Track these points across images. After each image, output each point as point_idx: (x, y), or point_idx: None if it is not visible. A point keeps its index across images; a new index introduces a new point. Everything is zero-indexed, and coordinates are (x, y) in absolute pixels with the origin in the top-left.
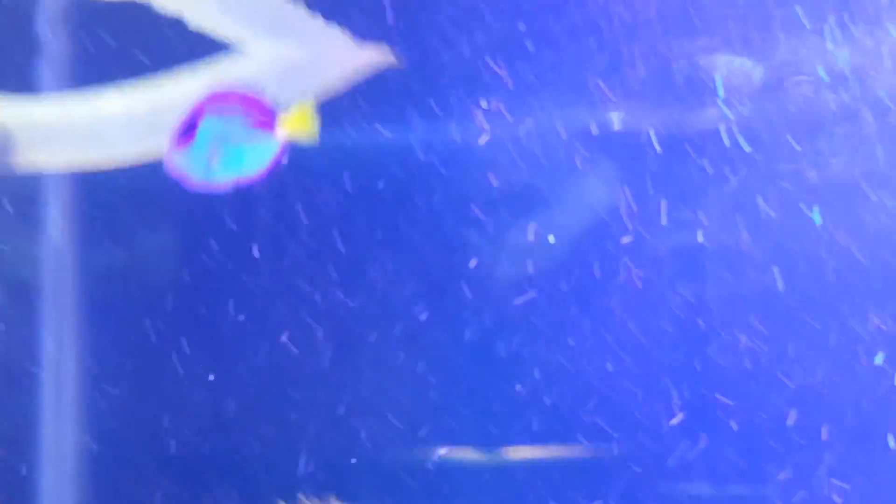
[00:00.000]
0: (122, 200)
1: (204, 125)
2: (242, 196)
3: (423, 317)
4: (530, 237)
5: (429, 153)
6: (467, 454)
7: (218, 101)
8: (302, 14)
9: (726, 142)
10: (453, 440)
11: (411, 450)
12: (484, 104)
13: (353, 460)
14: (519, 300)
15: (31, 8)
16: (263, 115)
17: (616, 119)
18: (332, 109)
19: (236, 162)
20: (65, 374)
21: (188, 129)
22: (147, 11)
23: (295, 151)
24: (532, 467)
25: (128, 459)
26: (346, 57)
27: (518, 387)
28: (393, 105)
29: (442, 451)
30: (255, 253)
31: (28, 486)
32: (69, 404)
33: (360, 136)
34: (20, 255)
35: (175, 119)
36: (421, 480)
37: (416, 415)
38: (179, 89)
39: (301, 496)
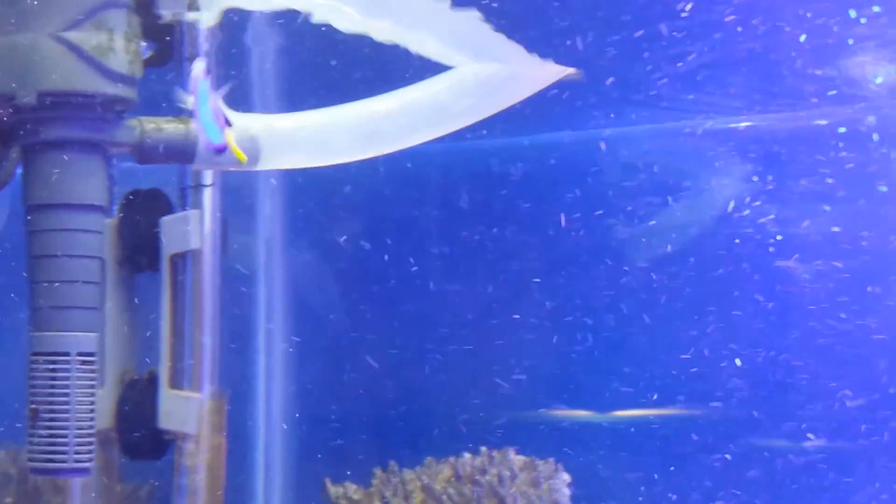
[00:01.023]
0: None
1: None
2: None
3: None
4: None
5: (577, 153)
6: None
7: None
8: (499, 37)
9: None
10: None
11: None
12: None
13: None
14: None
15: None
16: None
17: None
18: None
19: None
20: (275, 349)
21: None
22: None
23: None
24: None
25: (334, 419)
26: (538, 72)
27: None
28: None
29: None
30: (434, 248)
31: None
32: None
33: (519, 140)
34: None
35: (392, 129)
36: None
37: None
38: (396, 103)
39: (483, 448)
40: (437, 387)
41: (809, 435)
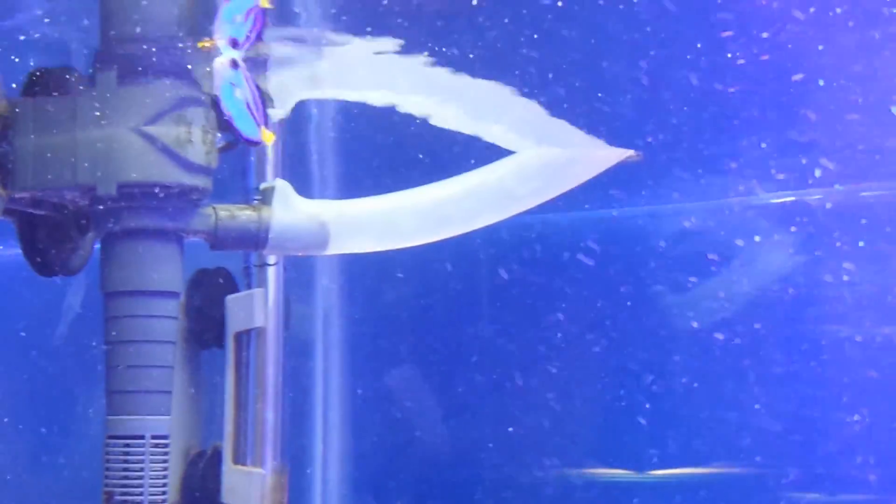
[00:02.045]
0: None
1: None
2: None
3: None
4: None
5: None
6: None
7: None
8: (560, 122)
9: None
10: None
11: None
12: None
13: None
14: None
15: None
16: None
17: None
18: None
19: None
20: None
21: None
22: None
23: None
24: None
25: (391, 485)
26: (597, 155)
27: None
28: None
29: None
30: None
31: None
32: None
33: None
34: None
35: (458, 213)
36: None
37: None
38: (461, 187)
39: None
40: (493, 450)
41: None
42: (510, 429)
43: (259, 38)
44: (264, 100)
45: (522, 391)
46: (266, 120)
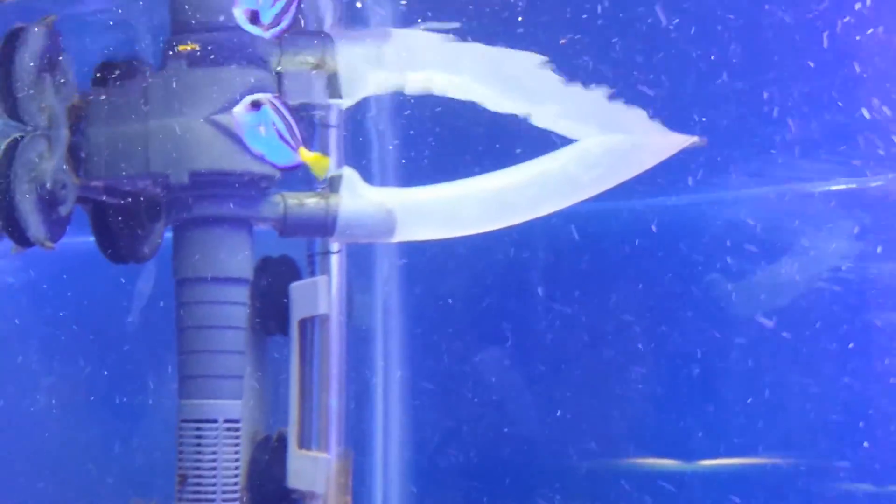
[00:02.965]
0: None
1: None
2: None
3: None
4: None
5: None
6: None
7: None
8: (625, 109)
9: None
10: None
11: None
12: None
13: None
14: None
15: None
16: (294, 137)
17: None
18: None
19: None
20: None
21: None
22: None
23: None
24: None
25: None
26: (662, 141)
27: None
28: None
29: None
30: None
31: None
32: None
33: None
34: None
35: (522, 201)
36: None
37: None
38: (524, 175)
39: None
40: (546, 437)
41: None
42: (568, 416)
43: (295, 19)
44: (297, 119)
45: (579, 378)
46: (301, 139)
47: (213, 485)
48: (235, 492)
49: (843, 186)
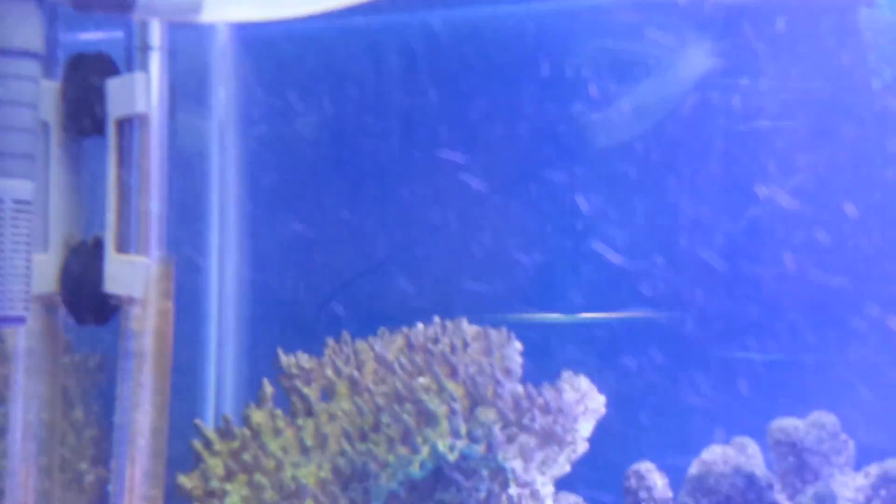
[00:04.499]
0: None
1: None
2: None
3: None
4: None
5: None
6: None
7: None
8: None
9: None
10: None
11: None
12: None
13: None
14: None
15: None
16: None
17: None
18: None
19: None
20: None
21: None
22: None
23: None
24: None
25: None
26: None
27: None
28: None
29: None
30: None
31: None
32: None
33: None
34: None
35: None
36: None
37: None
38: None
39: (436, 318)
40: None
41: None
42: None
43: None
44: None
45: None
46: None
47: (1, 267)
48: (27, 276)
49: None
